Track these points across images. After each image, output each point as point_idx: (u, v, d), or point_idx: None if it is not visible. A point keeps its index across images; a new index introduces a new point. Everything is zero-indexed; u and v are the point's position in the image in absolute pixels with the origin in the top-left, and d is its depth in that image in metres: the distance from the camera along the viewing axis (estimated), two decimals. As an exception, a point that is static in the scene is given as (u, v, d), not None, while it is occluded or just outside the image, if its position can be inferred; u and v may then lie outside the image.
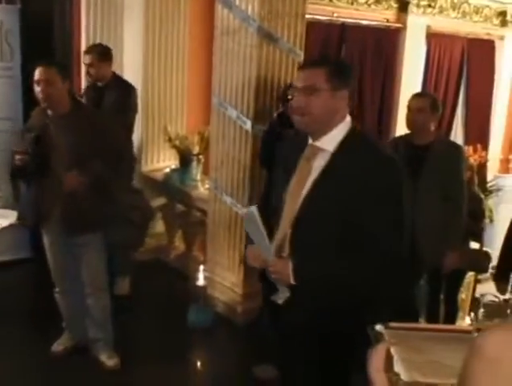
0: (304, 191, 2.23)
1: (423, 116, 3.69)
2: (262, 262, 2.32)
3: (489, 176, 6.79)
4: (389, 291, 2.37)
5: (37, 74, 3.19)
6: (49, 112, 3.24)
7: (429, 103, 3.74)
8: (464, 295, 5.19)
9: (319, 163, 2.22)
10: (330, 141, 2.20)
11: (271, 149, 3.78)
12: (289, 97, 3.68)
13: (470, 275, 5.04)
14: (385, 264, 2.18)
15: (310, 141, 2.26)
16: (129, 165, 3.63)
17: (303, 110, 2.18)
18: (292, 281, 2.20)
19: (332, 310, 2.20)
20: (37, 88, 3.18)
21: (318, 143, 2.23)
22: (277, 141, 3.71)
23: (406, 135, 3.97)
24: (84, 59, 4.39)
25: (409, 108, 3.78)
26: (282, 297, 2.29)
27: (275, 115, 3.94)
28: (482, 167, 6.22)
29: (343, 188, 2.13)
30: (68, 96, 3.29)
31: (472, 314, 2.02)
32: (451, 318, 4.64)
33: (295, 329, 2.34)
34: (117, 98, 4.23)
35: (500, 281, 3.60)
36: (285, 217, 2.29)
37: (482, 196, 4.79)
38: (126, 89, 4.35)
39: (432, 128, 3.79)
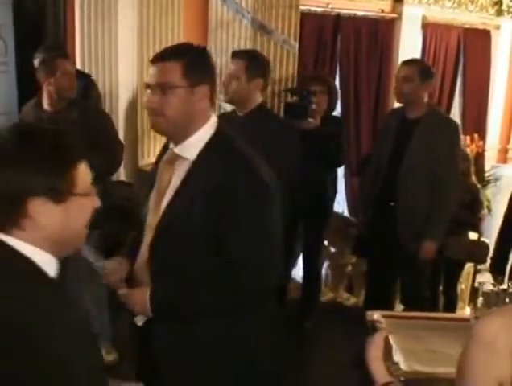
0: (162, 206, 1.93)
1: (410, 85, 3.45)
2: (116, 282, 2.03)
3: (487, 166, 6.77)
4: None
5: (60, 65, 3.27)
6: (46, 106, 3.23)
7: (417, 70, 3.48)
8: (463, 285, 5.20)
9: (179, 172, 1.92)
10: (190, 148, 1.90)
11: None
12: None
13: (469, 265, 5.05)
14: (252, 284, 1.91)
15: (171, 145, 1.97)
16: (119, 156, 3.62)
17: (157, 111, 1.87)
18: (150, 314, 1.92)
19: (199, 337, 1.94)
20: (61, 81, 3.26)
21: (177, 150, 1.93)
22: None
23: (400, 108, 3.83)
24: None
25: (396, 77, 3.57)
26: (141, 318, 1.99)
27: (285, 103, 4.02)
28: (480, 157, 6.21)
29: (200, 202, 1.82)
30: None
31: (472, 304, 2.01)
32: (450, 308, 4.64)
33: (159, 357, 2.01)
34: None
35: (495, 273, 3.53)
36: (145, 235, 2.01)
37: (479, 187, 4.77)
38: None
39: (425, 99, 3.56)
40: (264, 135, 2.82)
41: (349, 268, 5.22)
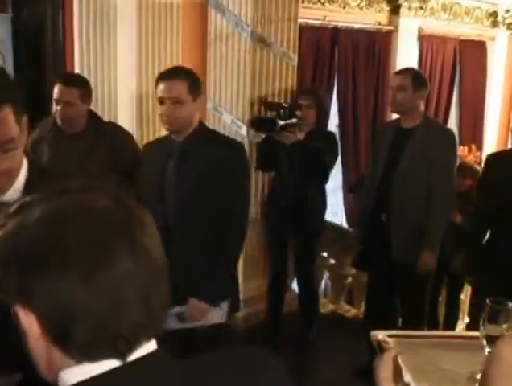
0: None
1: (403, 94, 3.42)
2: None
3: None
4: None
5: (57, 93, 3.17)
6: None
7: (410, 79, 3.45)
8: (462, 295, 5.19)
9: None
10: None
11: (269, 152, 3.89)
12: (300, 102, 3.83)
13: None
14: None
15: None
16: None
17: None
18: None
19: None
20: (55, 107, 3.19)
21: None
22: (276, 145, 3.80)
23: (395, 119, 3.77)
24: None
25: (390, 87, 3.54)
26: None
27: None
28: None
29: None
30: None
31: (481, 320, 1.98)
32: (451, 320, 4.62)
33: None
34: None
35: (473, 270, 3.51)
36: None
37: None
38: None
39: (420, 108, 3.52)
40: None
41: (349, 279, 5.21)
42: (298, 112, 3.75)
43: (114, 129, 3.50)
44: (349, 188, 5.61)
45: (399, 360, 1.58)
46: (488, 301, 1.99)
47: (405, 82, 3.43)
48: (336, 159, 4.08)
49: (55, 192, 0.84)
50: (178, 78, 2.53)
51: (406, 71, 3.64)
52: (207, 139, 2.60)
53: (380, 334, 2.06)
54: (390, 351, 1.39)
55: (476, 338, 1.92)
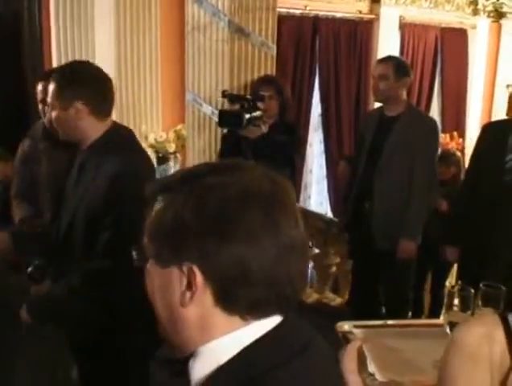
0: None
1: (386, 82, 3.43)
2: None
3: (468, 163, 6.81)
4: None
5: (41, 91, 2.80)
6: None
7: (392, 67, 3.45)
8: (448, 282, 5.21)
9: None
10: None
11: (233, 149, 3.61)
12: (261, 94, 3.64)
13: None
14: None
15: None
16: None
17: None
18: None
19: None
20: (41, 107, 2.86)
21: None
22: (238, 141, 3.54)
23: (379, 107, 3.76)
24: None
25: (373, 76, 3.54)
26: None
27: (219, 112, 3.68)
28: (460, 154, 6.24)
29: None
30: None
31: (444, 306, 1.99)
32: (436, 307, 4.64)
33: None
34: None
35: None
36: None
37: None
38: None
39: (403, 96, 3.52)
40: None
41: (334, 268, 5.21)
42: (260, 104, 3.50)
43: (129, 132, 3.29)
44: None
45: (364, 350, 1.58)
46: (452, 287, 2.00)
47: (387, 71, 3.44)
48: (300, 151, 3.94)
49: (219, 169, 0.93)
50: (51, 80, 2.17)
51: (389, 59, 3.64)
52: (105, 150, 2.13)
53: (346, 325, 2.06)
54: (354, 341, 1.39)
55: (440, 325, 1.91)
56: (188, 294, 0.87)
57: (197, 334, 0.89)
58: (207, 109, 4.08)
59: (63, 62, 4.78)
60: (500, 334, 1.10)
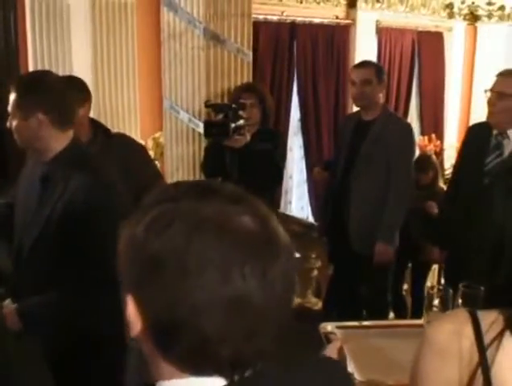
0: None
1: (371, 88, 3.45)
2: None
3: (447, 164, 6.87)
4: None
5: None
6: None
7: (374, 72, 3.49)
8: (429, 283, 5.25)
9: None
10: None
11: (217, 160, 3.61)
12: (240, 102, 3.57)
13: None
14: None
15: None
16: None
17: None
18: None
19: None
20: None
21: None
22: (223, 152, 3.53)
23: (356, 112, 3.79)
24: None
25: (352, 81, 3.52)
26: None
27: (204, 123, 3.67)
28: (438, 156, 6.30)
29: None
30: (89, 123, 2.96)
31: (424, 307, 2.02)
32: (418, 308, 4.67)
33: None
34: None
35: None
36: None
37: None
38: None
39: (381, 100, 3.57)
40: None
41: (316, 272, 5.23)
42: (242, 113, 3.49)
43: (125, 142, 3.18)
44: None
45: (345, 350, 1.60)
46: (431, 289, 2.03)
47: (370, 76, 3.48)
48: (285, 159, 3.92)
49: (197, 192, 0.83)
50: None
51: (369, 64, 3.69)
52: (72, 163, 2.08)
53: (329, 326, 2.08)
54: (334, 342, 1.41)
55: (421, 325, 1.94)
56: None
57: (152, 368, 0.84)
58: (184, 116, 4.09)
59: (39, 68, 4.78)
60: (468, 330, 1.11)
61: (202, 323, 0.76)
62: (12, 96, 2.07)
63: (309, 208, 6.05)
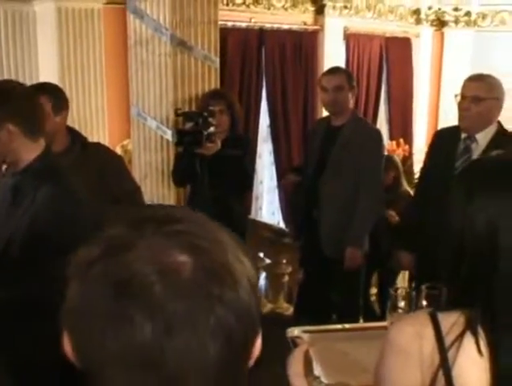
0: None
1: (343, 94, 3.47)
2: None
3: (416, 168, 6.94)
4: None
5: None
6: None
7: (345, 78, 3.52)
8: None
9: None
10: None
11: (186, 168, 3.61)
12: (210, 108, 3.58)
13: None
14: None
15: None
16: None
17: None
18: None
19: None
20: None
21: None
22: (190, 160, 3.54)
23: (326, 117, 3.81)
24: None
25: (324, 87, 3.53)
26: None
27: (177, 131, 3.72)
28: (407, 161, 6.37)
29: None
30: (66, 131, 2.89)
31: (388, 309, 2.05)
32: (385, 313, 4.69)
33: None
34: None
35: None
36: None
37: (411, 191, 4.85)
38: None
39: (351, 105, 3.60)
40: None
41: (286, 278, 5.24)
42: (212, 120, 3.49)
43: (102, 151, 3.12)
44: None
45: (310, 353, 1.60)
46: (395, 291, 2.05)
47: (342, 82, 3.50)
48: (254, 164, 3.93)
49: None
50: None
51: (340, 71, 3.72)
52: (42, 174, 2.05)
53: (296, 330, 2.08)
54: (301, 345, 1.41)
55: (386, 327, 1.96)
56: None
57: None
58: (152, 123, 4.07)
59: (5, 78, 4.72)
60: (429, 332, 1.13)
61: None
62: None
63: (280, 214, 6.06)
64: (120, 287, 0.68)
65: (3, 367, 2.05)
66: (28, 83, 4.31)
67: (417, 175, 6.58)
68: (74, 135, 2.98)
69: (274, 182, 6.06)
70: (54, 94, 2.86)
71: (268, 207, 6.17)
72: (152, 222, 0.74)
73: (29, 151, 2.07)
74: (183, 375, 0.69)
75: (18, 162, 2.08)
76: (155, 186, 4.11)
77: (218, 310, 0.70)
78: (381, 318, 4.50)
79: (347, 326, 2.48)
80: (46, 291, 1.91)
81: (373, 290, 4.84)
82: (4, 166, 2.44)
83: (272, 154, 5.98)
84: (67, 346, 0.75)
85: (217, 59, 4.20)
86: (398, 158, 4.99)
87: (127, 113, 4.63)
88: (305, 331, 2.13)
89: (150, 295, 0.68)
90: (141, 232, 0.73)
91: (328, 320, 3.88)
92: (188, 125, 3.57)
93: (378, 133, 3.78)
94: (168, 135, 4.00)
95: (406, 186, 4.68)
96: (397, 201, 4.24)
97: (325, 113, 3.94)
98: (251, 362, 0.80)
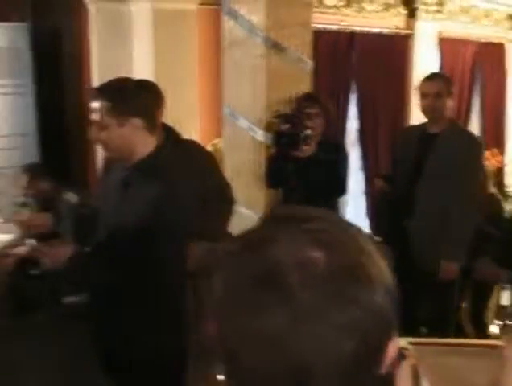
0: None
1: (442, 100, 3.37)
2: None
3: (509, 180, 6.67)
4: None
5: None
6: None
7: (444, 84, 3.43)
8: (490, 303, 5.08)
9: None
10: None
11: (279, 170, 3.61)
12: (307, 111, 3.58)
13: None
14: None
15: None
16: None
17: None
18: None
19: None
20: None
21: None
22: (285, 161, 3.54)
23: (422, 124, 3.69)
24: None
25: (424, 93, 3.44)
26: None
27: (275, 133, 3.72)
28: (500, 172, 6.13)
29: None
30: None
31: (499, 326, 1.94)
32: (480, 332, 4.49)
33: None
34: None
35: None
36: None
37: (500, 197, 4.65)
38: None
39: (448, 112, 3.47)
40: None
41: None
42: (308, 122, 3.50)
43: (194, 148, 3.14)
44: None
45: (418, 369, 1.54)
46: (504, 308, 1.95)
47: (442, 88, 3.40)
48: (348, 171, 3.87)
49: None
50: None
51: (439, 76, 3.65)
52: (149, 172, 2.10)
53: (402, 341, 2.01)
54: (409, 359, 1.36)
55: (497, 346, 1.86)
56: None
57: None
58: (243, 124, 4.08)
59: (100, 77, 4.86)
60: None
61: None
62: (102, 105, 2.05)
63: (366, 220, 5.95)
64: (259, 277, 0.71)
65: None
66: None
67: (509, 188, 6.34)
68: (168, 131, 2.99)
69: (362, 188, 5.96)
70: (153, 91, 2.88)
71: (354, 214, 6.06)
72: (292, 219, 0.76)
73: (146, 145, 2.13)
74: (312, 364, 0.70)
75: (133, 155, 2.12)
76: (245, 186, 4.11)
77: (353, 307, 0.70)
78: (475, 335, 4.34)
79: (454, 341, 2.39)
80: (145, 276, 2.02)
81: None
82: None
83: (360, 159, 5.88)
84: (211, 330, 0.77)
85: (310, 62, 4.17)
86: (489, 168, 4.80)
87: (218, 113, 4.67)
88: (411, 343, 2.05)
89: (286, 285, 0.70)
90: (282, 228, 0.75)
91: (415, 332, 3.77)
92: (284, 127, 3.57)
93: (477, 141, 3.64)
94: (260, 136, 4.00)
95: (495, 192, 4.51)
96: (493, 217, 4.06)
97: (416, 119, 3.84)
98: (382, 369, 0.77)
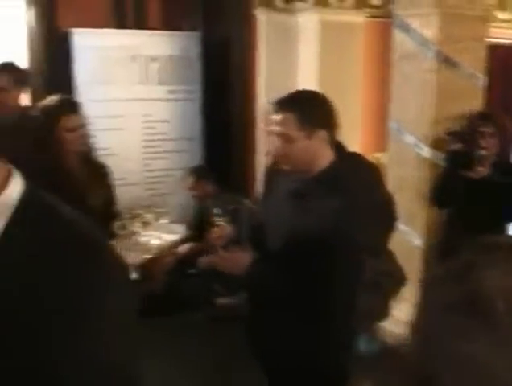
0: None
1: None
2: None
3: None
4: None
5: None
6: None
7: None
8: None
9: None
10: None
11: (449, 190, 3.53)
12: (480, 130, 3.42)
13: None
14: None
15: None
16: None
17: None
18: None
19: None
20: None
21: None
22: (457, 181, 3.45)
23: None
24: None
25: None
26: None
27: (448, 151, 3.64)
28: None
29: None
30: None
31: None
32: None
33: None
34: None
35: None
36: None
37: None
38: None
39: None
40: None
41: None
42: (483, 142, 3.38)
43: (358, 160, 3.16)
44: None
45: None
46: None
47: None
48: None
49: None
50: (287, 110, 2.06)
51: None
52: (331, 184, 2.06)
53: None
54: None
55: None
56: None
57: None
58: (409, 139, 4.00)
59: (266, 86, 5.00)
60: None
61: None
62: (284, 117, 2.04)
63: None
64: (468, 302, 0.73)
65: None
66: (285, 92, 4.51)
67: None
68: (337, 144, 3.00)
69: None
70: (329, 104, 2.91)
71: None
72: (503, 249, 0.79)
73: (326, 158, 2.12)
74: None
75: (312, 167, 2.11)
76: (406, 203, 4.02)
77: None
78: None
79: None
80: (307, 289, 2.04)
81: None
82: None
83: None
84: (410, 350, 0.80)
85: (483, 78, 4.01)
86: None
87: (380, 126, 4.63)
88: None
89: (492, 312, 0.71)
90: (492, 257, 0.77)
91: None
92: (456, 146, 3.46)
93: None
94: (426, 152, 3.90)
95: None
96: None
97: None
98: None
